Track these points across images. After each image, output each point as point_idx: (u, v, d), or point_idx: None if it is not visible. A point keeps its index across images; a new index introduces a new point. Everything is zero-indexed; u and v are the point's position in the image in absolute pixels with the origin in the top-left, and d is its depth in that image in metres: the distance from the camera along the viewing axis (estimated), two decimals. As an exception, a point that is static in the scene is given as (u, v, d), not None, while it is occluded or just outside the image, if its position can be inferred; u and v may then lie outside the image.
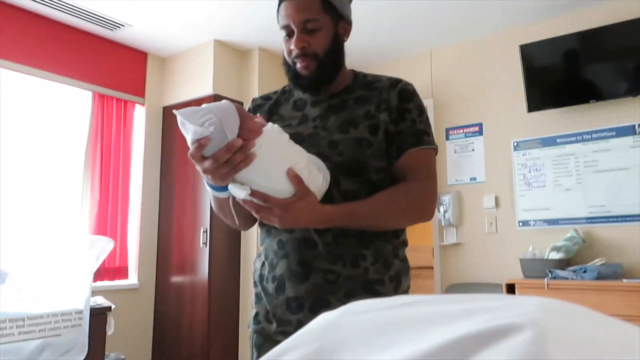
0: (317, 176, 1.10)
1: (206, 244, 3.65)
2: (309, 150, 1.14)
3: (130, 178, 3.88)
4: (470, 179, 3.80)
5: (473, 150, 3.82)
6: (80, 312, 1.05)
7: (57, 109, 3.58)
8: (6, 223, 3.17)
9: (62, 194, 3.54)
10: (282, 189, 1.04)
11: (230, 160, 0.98)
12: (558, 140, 3.47)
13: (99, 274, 3.57)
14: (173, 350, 3.73)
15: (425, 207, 1.21)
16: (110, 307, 2.80)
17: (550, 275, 3.02)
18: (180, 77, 4.10)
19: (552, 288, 2.92)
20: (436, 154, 1.26)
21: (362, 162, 1.16)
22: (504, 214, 3.62)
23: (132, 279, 3.81)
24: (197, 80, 3.95)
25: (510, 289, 3.08)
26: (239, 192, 1.01)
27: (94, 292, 3.16)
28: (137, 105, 4.01)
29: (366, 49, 4.03)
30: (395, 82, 1.26)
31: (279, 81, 4.20)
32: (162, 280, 3.91)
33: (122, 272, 3.72)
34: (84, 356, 1.22)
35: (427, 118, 1.26)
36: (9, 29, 3.29)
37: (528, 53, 3.48)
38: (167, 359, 3.77)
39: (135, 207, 3.92)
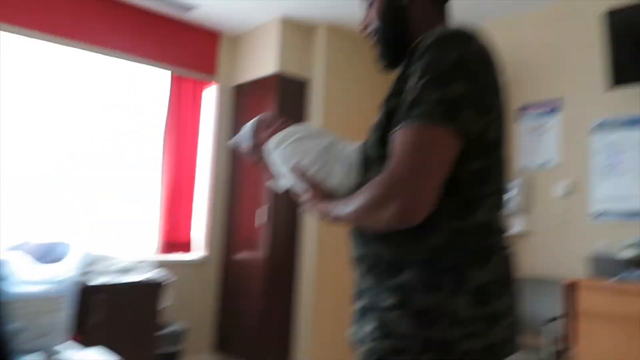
0: (335, 171, 1.11)
1: (267, 221, 3.76)
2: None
3: (201, 156, 4.09)
4: (542, 163, 3.49)
5: (546, 131, 3.49)
6: (61, 297, 1.12)
7: (140, 90, 3.87)
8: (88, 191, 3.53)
9: (139, 172, 3.84)
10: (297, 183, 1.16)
11: (255, 160, 1.25)
12: (645, 122, 3.04)
13: (170, 247, 3.85)
14: (233, 324, 3.94)
15: (379, 206, 0.91)
16: (167, 280, 3.03)
17: (620, 276, 2.71)
18: (250, 56, 4.18)
19: (619, 291, 2.62)
20: (444, 128, 0.88)
21: (367, 156, 1.06)
22: (578, 202, 3.28)
23: (199, 253, 4.07)
24: (264, 58, 4.01)
25: (571, 288, 2.82)
26: (275, 186, 1.24)
27: (162, 265, 3.43)
28: (209, 84, 4.19)
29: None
30: (427, 37, 0.98)
31: (347, 58, 4.16)
32: (227, 256, 4.13)
33: (190, 247, 3.98)
34: (66, 339, 1.31)
35: (437, 79, 0.90)
36: (88, 14, 3.54)
37: (612, 20, 3.05)
38: (228, 331, 4.00)
39: (206, 184, 4.14)
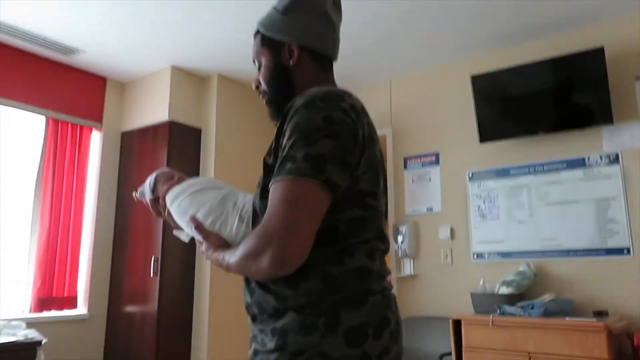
0: (229, 222, 1.13)
1: (157, 273, 3.58)
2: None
3: (83, 205, 3.82)
4: (427, 209, 3.76)
5: (430, 180, 3.79)
6: None
7: (9, 133, 3.54)
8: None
9: (10, 221, 3.48)
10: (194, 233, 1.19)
11: (157, 212, 1.27)
12: (511, 172, 3.44)
13: (46, 304, 3.48)
14: (122, 383, 3.63)
15: (255, 257, 0.96)
16: (40, 341, 2.72)
17: (498, 311, 2.95)
18: (139, 103, 4.08)
19: (497, 325, 2.85)
20: (311, 181, 0.94)
21: (255, 208, 1.09)
22: (460, 245, 3.57)
23: (82, 309, 3.73)
24: (154, 106, 3.93)
25: (457, 324, 3.01)
26: (181, 236, 1.24)
27: (34, 324, 3.09)
28: (93, 131, 3.98)
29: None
30: (299, 98, 1.05)
31: (239, 107, 4.23)
32: (113, 311, 3.83)
33: (70, 302, 3.63)
34: None
35: (305, 138, 0.97)
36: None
37: (478, 84, 3.47)
38: (115, 392, 3.66)
39: (88, 235, 3.86)
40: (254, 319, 1.07)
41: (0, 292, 3.33)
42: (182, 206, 1.17)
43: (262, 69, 1.20)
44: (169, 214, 1.21)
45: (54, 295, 3.54)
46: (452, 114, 3.75)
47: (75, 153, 3.81)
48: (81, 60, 3.77)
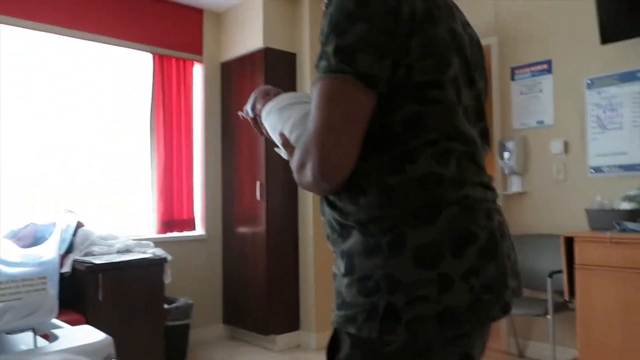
0: None
1: (262, 196, 3.76)
2: None
3: (192, 135, 4.06)
4: (537, 122, 3.49)
5: (541, 90, 3.48)
6: (44, 277, 1.16)
7: (120, 72, 3.78)
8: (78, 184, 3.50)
9: (130, 153, 3.81)
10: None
11: (259, 131, 1.23)
12: (639, 75, 3.04)
13: (169, 226, 3.84)
14: (240, 296, 3.97)
15: (301, 169, 0.88)
16: (166, 258, 3.02)
17: (618, 228, 2.74)
18: (235, 32, 4.13)
19: (616, 242, 2.65)
20: (343, 77, 0.84)
21: None
22: (574, 160, 3.30)
23: (200, 230, 4.06)
24: (249, 34, 3.96)
25: (569, 242, 2.85)
26: (280, 153, 1.20)
27: (160, 244, 3.43)
28: (195, 63, 4.13)
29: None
30: None
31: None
32: (227, 232, 4.13)
33: (189, 224, 3.97)
34: (52, 317, 1.35)
35: (335, 29, 0.86)
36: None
37: (602, -24, 3.03)
38: (235, 304, 4.03)
39: (199, 163, 4.12)
40: (327, 238, 1.01)
41: (131, 216, 3.72)
42: (272, 122, 1.16)
43: None
44: (267, 130, 1.21)
45: (175, 218, 3.88)
46: (567, 15, 3.34)
47: (181, 86, 4.00)
48: (177, -7, 3.84)
